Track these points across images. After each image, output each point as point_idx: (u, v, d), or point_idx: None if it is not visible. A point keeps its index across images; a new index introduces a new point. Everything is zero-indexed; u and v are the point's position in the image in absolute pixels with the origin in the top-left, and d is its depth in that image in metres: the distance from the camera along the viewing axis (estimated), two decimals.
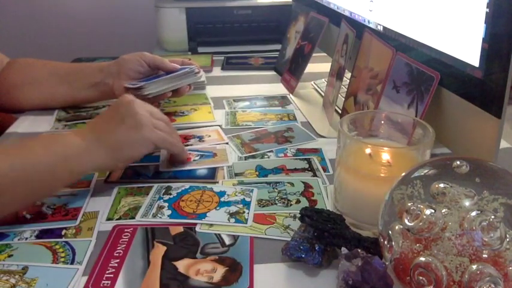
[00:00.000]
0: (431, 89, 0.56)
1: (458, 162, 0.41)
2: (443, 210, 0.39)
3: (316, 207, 0.56)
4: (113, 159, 0.59)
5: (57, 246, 0.50)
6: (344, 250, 0.44)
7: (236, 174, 0.65)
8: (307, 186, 0.61)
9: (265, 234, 0.52)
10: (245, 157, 0.70)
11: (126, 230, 0.53)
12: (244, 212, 0.55)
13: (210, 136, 0.77)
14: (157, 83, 0.81)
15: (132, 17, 1.93)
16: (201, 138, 0.76)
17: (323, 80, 1.02)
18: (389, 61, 0.65)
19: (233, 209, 0.56)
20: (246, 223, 0.54)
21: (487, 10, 0.48)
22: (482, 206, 0.38)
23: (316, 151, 0.72)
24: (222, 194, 0.59)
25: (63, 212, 0.56)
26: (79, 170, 0.57)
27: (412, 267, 0.38)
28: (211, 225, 0.53)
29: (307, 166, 0.67)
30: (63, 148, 0.56)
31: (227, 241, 0.51)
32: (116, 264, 0.47)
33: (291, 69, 1.01)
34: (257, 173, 0.65)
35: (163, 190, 0.60)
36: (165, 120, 0.65)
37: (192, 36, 1.31)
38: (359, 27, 0.77)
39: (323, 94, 0.93)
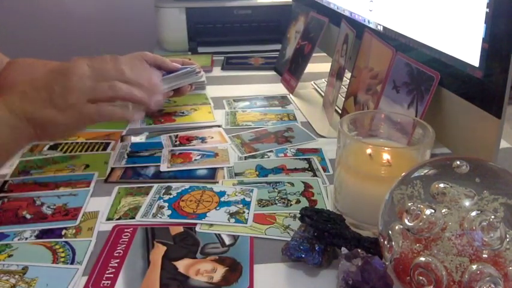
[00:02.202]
0: (431, 89, 0.56)
1: (458, 162, 0.41)
2: (443, 210, 0.39)
3: (316, 207, 0.56)
4: (40, 136, 0.56)
5: (57, 246, 0.50)
6: (344, 250, 0.44)
7: (236, 174, 0.65)
8: (307, 186, 0.61)
9: (265, 234, 0.52)
10: (245, 157, 0.70)
11: (126, 230, 0.53)
12: (244, 212, 0.56)
13: (212, 138, 0.77)
14: None
15: (132, 17, 1.93)
16: (203, 140, 0.76)
17: (323, 80, 1.02)
18: (389, 61, 0.65)
19: (233, 209, 0.56)
20: (246, 223, 0.54)
21: (487, 10, 0.48)
22: (482, 206, 0.38)
23: (316, 151, 0.72)
24: (222, 194, 0.59)
25: (63, 212, 0.56)
26: (13, 149, 0.56)
27: (412, 267, 0.38)
28: (211, 225, 0.53)
29: (307, 166, 0.67)
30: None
31: (227, 241, 0.51)
32: (116, 264, 0.47)
33: (291, 69, 1.01)
34: (257, 173, 0.65)
35: (163, 190, 0.60)
36: (120, 71, 0.59)
37: (192, 36, 1.31)
38: (359, 27, 0.77)
39: (323, 94, 0.93)
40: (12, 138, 0.55)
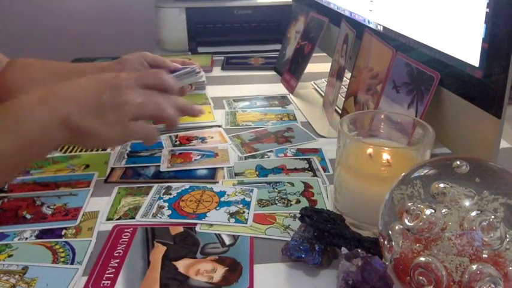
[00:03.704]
0: (431, 89, 0.56)
1: (458, 162, 0.41)
2: (443, 210, 0.39)
3: (316, 207, 0.56)
4: (73, 142, 0.56)
5: (57, 246, 0.50)
6: (344, 250, 0.44)
7: (236, 174, 0.65)
8: (307, 186, 0.61)
9: (265, 234, 0.52)
10: (245, 157, 0.70)
11: (126, 230, 0.53)
12: (244, 212, 0.56)
13: (212, 138, 0.77)
14: None
15: (132, 17, 1.93)
16: (203, 140, 0.76)
17: (323, 80, 1.02)
18: (389, 61, 0.65)
19: (233, 209, 0.56)
20: (246, 223, 0.54)
21: (487, 10, 0.48)
22: (482, 206, 0.38)
23: (316, 151, 0.72)
24: (222, 194, 0.59)
25: (63, 212, 0.56)
26: (43, 152, 0.55)
27: (412, 267, 0.38)
28: (211, 225, 0.53)
29: (307, 166, 0.67)
30: (29, 131, 0.51)
31: (227, 241, 0.51)
32: (116, 264, 0.47)
33: (291, 69, 1.01)
34: (257, 173, 0.65)
35: (163, 190, 0.60)
36: (159, 86, 0.60)
37: (192, 36, 1.31)
38: (359, 27, 0.77)
39: (323, 94, 0.93)
40: (43, 141, 0.53)
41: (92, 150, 0.71)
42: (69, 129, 0.53)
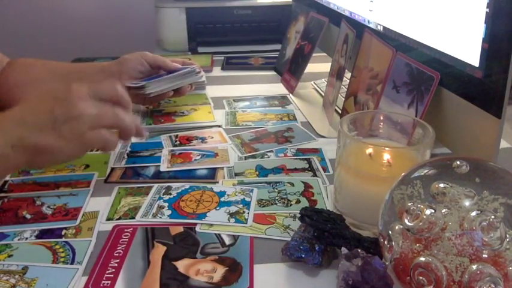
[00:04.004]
0: (431, 89, 0.56)
1: (458, 162, 0.41)
2: (443, 210, 0.39)
3: (316, 207, 0.56)
4: (31, 163, 0.54)
5: (57, 246, 0.50)
6: (344, 250, 0.44)
7: (236, 174, 0.65)
8: (307, 186, 0.61)
9: (265, 234, 0.52)
10: (245, 157, 0.70)
11: (126, 230, 0.53)
12: (244, 212, 0.55)
13: (212, 138, 0.77)
14: (159, 82, 0.81)
15: (132, 17, 1.93)
16: (203, 140, 0.76)
17: (323, 80, 1.02)
18: (389, 61, 0.65)
19: (233, 209, 0.56)
20: (246, 223, 0.54)
21: (487, 10, 0.48)
22: (482, 206, 0.38)
23: (316, 151, 0.72)
24: (222, 194, 0.59)
25: (63, 212, 0.56)
26: None
27: (412, 267, 0.38)
28: (211, 225, 0.53)
29: (307, 166, 0.67)
30: None
31: (227, 241, 0.51)
32: (116, 264, 0.47)
33: (291, 69, 1.01)
34: (257, 173, 0.65)
35: (163, 190, 0.60)
36: (112, 98, 0.57)
37: (192, 36, 1.31)
38: (359, 27, 0.77)
39: (323, 94, 0.93)
40: None
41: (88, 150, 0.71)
42: (25, 150, 0.52)
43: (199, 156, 0.70)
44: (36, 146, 0.52)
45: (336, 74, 0.83)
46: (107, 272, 0.46)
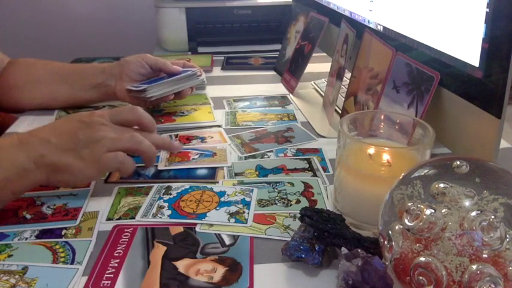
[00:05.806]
0: (431, 89, 0.56)
1: (458, 162, 0.41)
2: (443, 210, 0.39)
3: (316, 207, 0.56)
4: (50, 181, 0.56)
5: (57, 246, 0.50)
6: (344, 250, 0.44)
7: (236, 174, 0.65)
8: (307, 186, 0.61)
9: (265, 234, 0.52)
10: (245, 157, 0.70)
11: (126, 230, 0.53)
12: (244, 212, 0.56)
13: (212, 137, 0.77)
14: (160, 86, 0.81)
15: (132, 17, 1.93)
16: (203, 140, 0.76)
17: (323, 80, 1.02)
18: (389, 61, 0.65)
19: (233, 209, 0.56)
20: (246, 223, 0.54)
21: (487, 10, 0.48)
22: (482, 206, 0.38)
23: (316, 151, 0.72)
24: (222, 194, 0.59)
25: (63, 212, 0.56)
26: (19, 190, 0.55)
27: (412, 267, 0.38)
28: (211, 225, 0.53)
29: (307, 166, 0.67)
30: (5, 171, 0.52)
31: (227, 241, 0.51)
32: (116, 264, 0.47)
33: (291, 69, 1.01)
34: (257, 173, 0.65)
35: (163, 190, 0.60)
36: (133, 122, 0.60)
37: (192, 36, 1.31)
38: (359, 27, 0.77)
39: (323, 94, 0.93)
40: (19, 180, 0.53)
41: None
42: (45, 167, 0.54)
43: (198, 156, 0.70)
44: (56, 165, 0.54)
45: (336, 74, 0.83)
46: (107, 272, 0.46)
